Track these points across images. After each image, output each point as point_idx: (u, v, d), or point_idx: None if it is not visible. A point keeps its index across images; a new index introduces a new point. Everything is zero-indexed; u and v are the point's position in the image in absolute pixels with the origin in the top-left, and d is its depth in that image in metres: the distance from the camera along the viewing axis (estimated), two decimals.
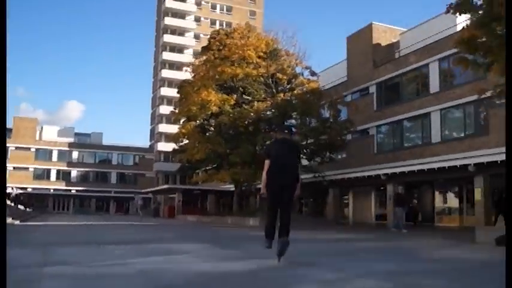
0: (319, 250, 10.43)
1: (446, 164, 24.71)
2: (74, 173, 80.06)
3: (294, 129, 11.79)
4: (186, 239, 13.34)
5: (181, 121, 34.08)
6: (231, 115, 29.58)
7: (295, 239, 7.36)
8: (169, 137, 79.89)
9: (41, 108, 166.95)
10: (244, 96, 31.28)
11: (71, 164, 79.58)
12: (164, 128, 79.39)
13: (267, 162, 6.87)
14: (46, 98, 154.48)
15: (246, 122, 30.37)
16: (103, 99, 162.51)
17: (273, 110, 30.32)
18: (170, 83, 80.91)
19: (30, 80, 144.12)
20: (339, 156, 33.73)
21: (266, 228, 6.94)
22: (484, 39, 11.77)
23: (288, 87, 31.80)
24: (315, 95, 29.51)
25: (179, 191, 49.17)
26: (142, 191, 65.16)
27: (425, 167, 26.17)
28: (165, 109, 79.23)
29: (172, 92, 79.94)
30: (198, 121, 31.18)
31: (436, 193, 30.56)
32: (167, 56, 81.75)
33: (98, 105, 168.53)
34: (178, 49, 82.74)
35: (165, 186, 51.10)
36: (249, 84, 30.85)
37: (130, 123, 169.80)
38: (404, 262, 7.92)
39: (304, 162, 30.91)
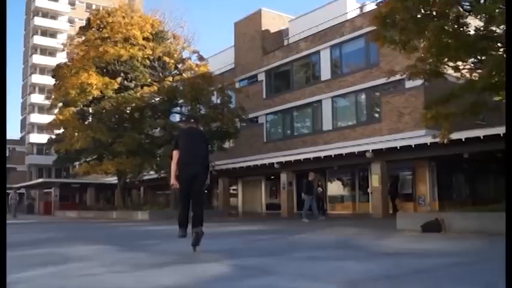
0: (253, 247, 8.85)
1: (343, 151, 24.55)
2: None
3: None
4: (78, 240, 11.01)
5: (58, 108, 30.88)
6: (113, 100, 27.22)
7: (210, 233, 7.00)
8: (42, 128, 74.40)
9: None
10: (128, 80, 29.03)
11: None
12: (37, 118, 73.56)
13: (175, 153, 6.92)
14: None
15: (131, 108, 28.22)
16: None
17: (160, 96, 28.45)
18: (42, 69, 75.12)
19: None
20: (228, 145, 32.61)
21: (179, 217, 6.99)
22: (400, 15, 11.19)
23: (175, 72, 30.07)
24: (205, 79, 28.08)
25: (56, 185, 45.25)
26: (14, 186, 59.63)
27: (321, 154, 25.82)
28: (37, 98, 73.44)
29: (45, 80, 74.36)
30: (77, 107, 28.22)
31: (330, 181, 30.63)
32: (39, 40, 75.59)
33: None
34: (51, 33, 76.83)
35: (40, 180, 46.78)
36: (134, 68, 28.65)
37: None
38: (376, 260, 6.45)
39: None
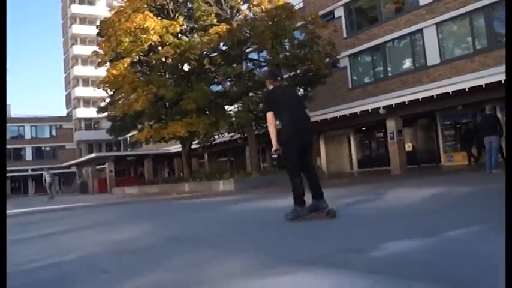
0: None
1: (461, 86, 18.91)
2: None
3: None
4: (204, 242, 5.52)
5: (107, 64, 25.74)
6: (177, 47, 21.91)
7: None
8: (88, 102, 70.64)
9: None
10: (191, 21, 23.62)
11: None
12: (82, 91, 69.50)
13: (271, 115, 6.07)
14: None
15: (197, 56, 22.84)
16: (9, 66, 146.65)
17: (231, 37, 22.88)
18: (83, 40, 70.61)
19: None
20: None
21: (299, 193, 5.88)
22: None
23: (246, 6, 24.33)
24: (286, 11, 22.31)
25: (110, 159, 40.77)
26: (64, 164, 56.07)
27: (432, 93, 20.15)
28: (81, 70, 69.29)
29: (86, 50, 69.99)
30: (132, 59, 22.85)
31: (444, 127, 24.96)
32: (77, 8, 70.82)
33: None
34: (89, 0, 72.04)
35: (93, 155, 42.28)
36: (197, 7, 23.12)
37: (42, 91, 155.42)
38: None
39: None
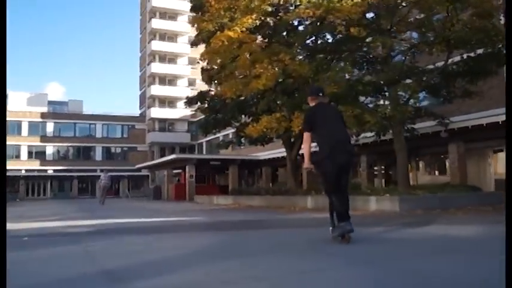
0: None
1: None
2: (50, 149, 64.88)
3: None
4: None
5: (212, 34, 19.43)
6: (316, 7, 15.45)
7: None
8: (164, 101, 65.91)
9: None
10: None
11: (45, 138, 64.32)
12: (158, 90, 64.82)
13: (307, 135, 6.08)
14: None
15: (344, 23, 16.26)
16: (83, 62, 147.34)
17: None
18: (162, 35, 66.21)
19: None
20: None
21: (340, 208, 5.82)
22: None
23: None
24: None
25: (191, 162, 34.94)
26: (136, 167, 51.11)
27: None
28: (158, 67, 64.74)
29: (166, 47, 65.62)
30: (256, 19, 16.33)
31: None
32: (158, 2, 66.42)
33: (77, 73, 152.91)
34: None
35: (172, 157, 36.52)
36: None
37: (115, 89, 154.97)
38: None
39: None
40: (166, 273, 4.19)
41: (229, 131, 36.29)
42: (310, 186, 23.50)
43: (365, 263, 4.54)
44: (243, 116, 22.81)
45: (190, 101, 25.90)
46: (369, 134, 19.99)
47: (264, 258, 5.02)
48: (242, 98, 19.80)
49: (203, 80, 22.43)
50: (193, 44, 22.41)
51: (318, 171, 6.16)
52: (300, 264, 4.52)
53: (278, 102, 18.15)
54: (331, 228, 6.01)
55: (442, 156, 26.16)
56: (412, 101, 17.59)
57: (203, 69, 22.89)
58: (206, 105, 24.27)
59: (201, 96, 24.26)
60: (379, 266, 4.35)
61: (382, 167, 30.17)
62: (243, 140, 24.86)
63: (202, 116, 27.03)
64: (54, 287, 3.83)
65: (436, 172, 28.04)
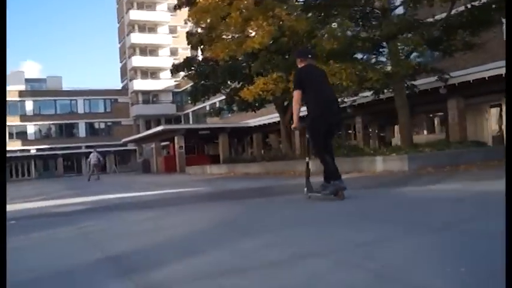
0: None
1: None
2: (31, 128, 62.98)
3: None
4: None
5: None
6: None
7: None
8: (146, 73, 64.27)
9: None
10: None
11: (25, 117, 62.43)
12: (139, 61, 63.06)
13: (298, 93, 6.03)
14: None
15: None
16: (58, 37, 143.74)
17: None
18: (140, 4, 64.18)
19: None
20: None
21: (332, 167, 6.04)
22: None
23: None
24: None
25: (180, 133, 33.85)
26: (123, 141, 49.91)
27: None
28: (138, 37, 62.88)
29: (145, 16, 63.67)
30: None
31: None
32: None
33: (54, 50, 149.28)
34: None
35: (160, 128, 35.34)
36: None
37: (95, 63, 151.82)
38: None
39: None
40: (187, 256, 3.28)
41: (217, 99, 35.26)
42: (303, 150, 22.72)
43: (428, 230, 3.67)
44: (234, 80, 21.78)
45: (176, 68, 24.68)
46: (366, 94, 19.14)
47: (304, 229, 4.15)
48: (233, 60, 18.70)
49: (190, 44, 21.21)
50: (176, 7, 21.11)
51: (308, 132, 6.17)
52: (351, 234, 3.64)
53: (273, 62, 17.07)
54: (305, 189, 6.35)
55: (439, 113, 25.48)
56: (414, 54, 16.74)
57: (189, 34, 21.70)
58: (194, 72, 23.15)
59: (188, 62, 23.16)
60: (453, 231, 3.48)
61: (376, 130, 29.58)
62: (234, 106, 23.93)
63: (189, 85, 25.99)
64: (54, 283, 2.92)
65: (436, 130, 27.47)
